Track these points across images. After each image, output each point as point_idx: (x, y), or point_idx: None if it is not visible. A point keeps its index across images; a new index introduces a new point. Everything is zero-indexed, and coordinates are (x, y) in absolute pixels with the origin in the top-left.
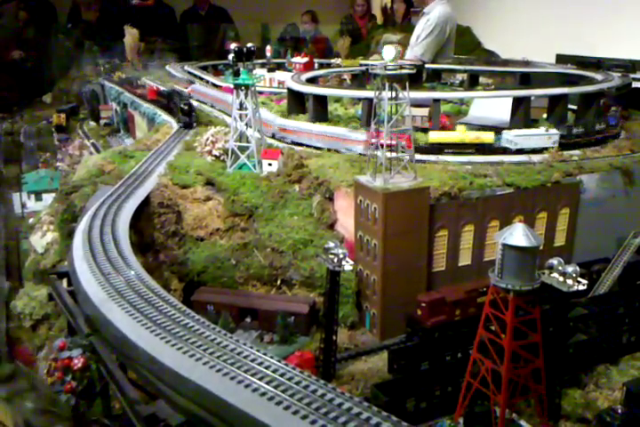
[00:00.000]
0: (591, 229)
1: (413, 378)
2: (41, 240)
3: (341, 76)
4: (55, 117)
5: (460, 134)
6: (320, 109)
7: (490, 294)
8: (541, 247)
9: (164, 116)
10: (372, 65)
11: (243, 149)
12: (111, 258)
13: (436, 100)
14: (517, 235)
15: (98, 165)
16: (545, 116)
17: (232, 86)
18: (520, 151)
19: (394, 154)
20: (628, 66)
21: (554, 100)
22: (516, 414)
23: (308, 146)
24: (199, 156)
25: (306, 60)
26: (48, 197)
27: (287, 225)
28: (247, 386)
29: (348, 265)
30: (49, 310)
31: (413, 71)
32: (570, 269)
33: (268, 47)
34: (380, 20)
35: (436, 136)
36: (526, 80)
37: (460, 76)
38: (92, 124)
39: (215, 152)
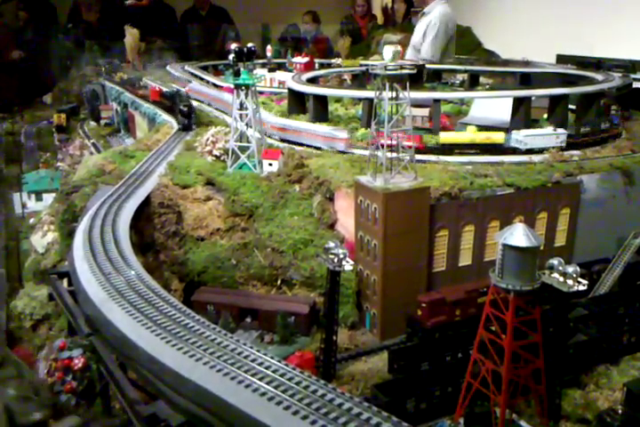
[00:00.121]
0: (591, 230)
1: (413, 378)
2: (41, 240)
3: (342, 76)
4: (55, 117)
5: (471, 134)
6: (320, 109)
7: (490, 294)
8: (542, 247)
9: (164, 116)
10: (372, 65)
11: (243, 149)
12: (111, 258)
13: (437, 101)
14: (518, 235)
15: (98, 165)
16: (545, 116)
17: (232, 86)
18: (529, 151)
19: (394, 154)
20: (628, 66)
21: (554, 100)
22: (517, 414)
23: (293, 143)
24: (199, 156)
25: (306, 60)
26: (48, 197)
27: (287, 225)
28: (247, 386)
29: (348, 265)
30: (49, 310)
31: (414, 71)
32: (570, 269)
33: (269, 47)
34: (380, 20)
35: (447, 136)
36: (526, 80)
37: (460, 77)
38: (93, 124)
39: (215, 152)
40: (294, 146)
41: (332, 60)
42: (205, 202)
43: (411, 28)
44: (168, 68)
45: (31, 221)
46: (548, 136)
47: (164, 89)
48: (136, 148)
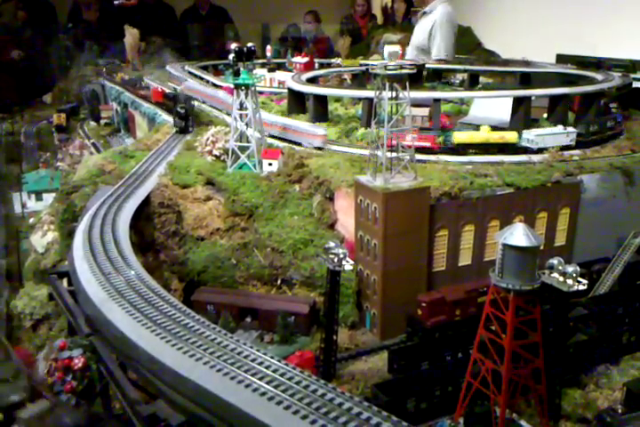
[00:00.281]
0: (591, 229)
1: (413, 378)
2: (41, 240)
3: (342, 75)
4: (55, 117)
5: (485, 134)
6: (320, 109)
7: (490, 293)
8: (542, 247)
9: (164, 116)
10: (372, 65)
11: (243, 149)
12: (111, 258)
13: (437, 100)
14: (518, 235)
15: (98, 164)
16: (545, 115)
17: (232, 86)
18: (541, 150)
19: (394, 154)
20: (628, 66)
21: (554, 99)
22: (517, 414)
23: (276, 137)
24: (199, 156)
25: (306, 59)
26: (48, 197)
27: (287, 225)
28: (247, 386)
29: (348, 265)
30: (49, 310)
31: (413, 71)
32: (570, 269)
33: (269, 47)
34: (380, 19)
35: (461, 136)
36: (526, 80)
37: (460, 76)
38: (93, 123)
39: (215, 152)
40: (275, 141)
41: (332, 60)
42: (205, 202)
43: (410, 28)
44: (168, 67)
45: (31, 220)
46: (558, 135)
47: (167, 90)
48: (136, 148)
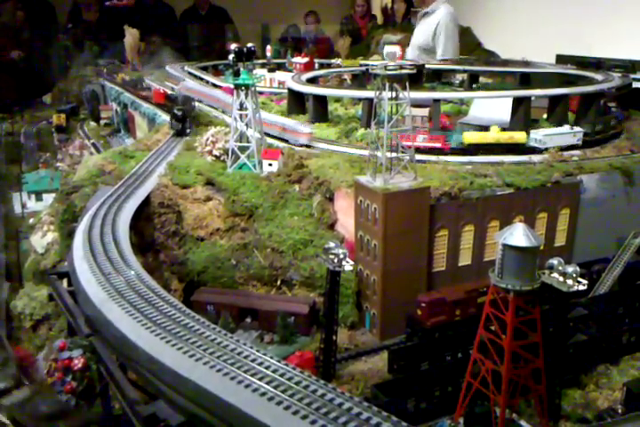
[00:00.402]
0: (591, 230)
1: (413, 378)
2: (41, 240)
3: (342, 76)
4: (55, 118)
5: (495, 134)
6: (320, 109)
7: (490, 294)
8: (541, 247)
9: (164, 116)
10: (372, 65)
11: (243, 149)
12: (111, 258)
13: (437, 101)
14: (517, 235)
15: (98, 165)
16: (545, 116)
17: (232, 87)
18: (547, 150)
19: (394, 154)
20: (628, 66)
21: (554, 100)
22: (516, 414)
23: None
24: (199, 156)
25: (306, 60)
26: (48, 198)
27: (287, 225)
28: (247, 386)
29: (348, 265)
30: (49, 311)
31: (413, 71)
32: (570, 269)
33: (269, 47)
34: (380, 20)
35: (471, 137)
36: (526, 80)
37: (459, 77)
38: (93, 124)
39: (215, 152)
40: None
41: (332, 61)
42: (205, 202)
43: (410, 28)
44: (167, 68)
45: (31, 221)
46: (566, 135)
47: (168, 91)
48: (136, 148)
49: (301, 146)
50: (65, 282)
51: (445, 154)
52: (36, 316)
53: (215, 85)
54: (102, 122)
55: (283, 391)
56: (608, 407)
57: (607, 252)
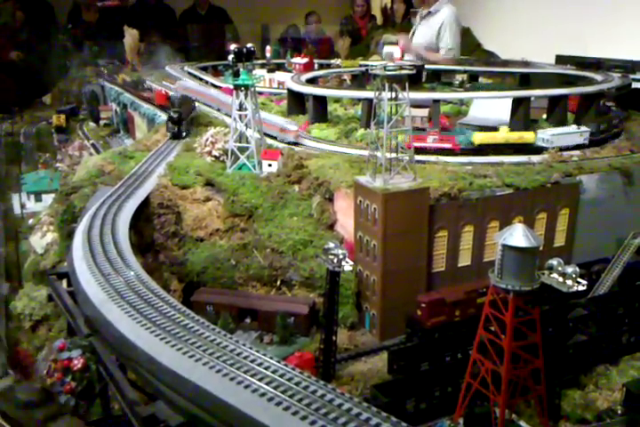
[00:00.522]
0: (591, 230)
1: (413, 379)
2: (41, 241)
3: (341, 76)
4: (55, 118)
5: (504, 134)
6: (320, 110)
7: (489, 294)
8: (541, 248)
9: (164, 116)
10: (371, 65)
11: (242, 150)
12: (111, 259)
13: (436, 101)
14: (517, 235)
15: (98, 165)
16: (544, 116)
17: (232, 87)
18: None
19: (393, 154)
20: (628, 66)
21: (553, 100)
22: (516, 414)
23: None
24: (199, 156)
25: (305, 60)
26: (48, 198)
27: (287, 226)
28: (247, 387)
29: (347, 266)
30: (49, 311)
31: (413, 71)
32: (569, 269)
33: (268, 48)
34: (379, 20)
35: (481, 137)
36: (526, 81)
37: (459, 77)
38: (92, 124)
39: (215, 153)
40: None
41: (332, 61)
42: (205, 202)
43: (410, 29)
44: (167, 68)
45: (30, 221)
46: (573, 134)
47: (171, 93)
48: (135, 148)
49: (289, 143)
50: (64, 282)
51: (456, 154)
52: (35, 316)
53: (215, 86)
54: (102, 122)
55: (282, 392)
56: (607, 408)
57: (607, 252)
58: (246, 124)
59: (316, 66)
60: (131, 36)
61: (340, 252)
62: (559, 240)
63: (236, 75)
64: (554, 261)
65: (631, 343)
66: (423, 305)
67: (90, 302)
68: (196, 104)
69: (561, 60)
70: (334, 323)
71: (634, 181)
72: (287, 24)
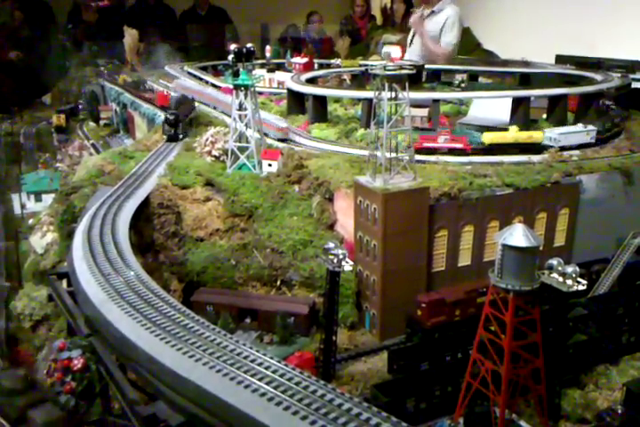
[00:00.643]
0: (591, 230)
1: (413, 378)
2: (41, 241)
3: (341, 76)
4: (55, 118)
5: (514, 134)
6: (320, 110)
7: (490, 294)
8: (541, 248)
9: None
10: (371, 65)
11: (242, 150)
12: (111, 259)
13: (436, 101)
14: (517, 235)
15: (97, 165)
16: (544, 116)
17: (231, 87)
18: (562, 148)
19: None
20: (628, 66)
21: (553, 100)
22: (516, 414)
23: None
24: (199, 156)
25: (305, 60)
26: (48, 198)
27: (287, 226)
28: (247, 387)
29: (347, 266)
30: (49, 311)
31: (413, 71)
32: (569, 269)
33: (268, 47)
34: (379, 20)
35: (491, 137)
36: (526, 80)
37: (459, 76)
38: (92, 124)
39: (215, 153)
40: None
41: (332, 61)
42: (205, 202)
43: (410, 29)
44: (166, 68)
45: (30, 221)
46: (580, 133)
47: (173, 94)
48: (135, 148)
49: (279, 140)
50: (64, 282)
51: (467, 154)
52: (35, 316)
53: (214, 86)
54: (102, 122)
55: (282, 392)
56: (607, 407)
57: (607, 252)
58: (246, 124)
59: (315, 66)
60: (130, 36)
61: (339, 252)
62: (559, 240)
63: (236, 75)
64: (554, 261)
65: (631, 343)
66: (423, 305)
67: (90, 302)
68: (198, 104)
69: (561, 59)
70: (334, 323)
71: (634, 181)
72: (287, 24)
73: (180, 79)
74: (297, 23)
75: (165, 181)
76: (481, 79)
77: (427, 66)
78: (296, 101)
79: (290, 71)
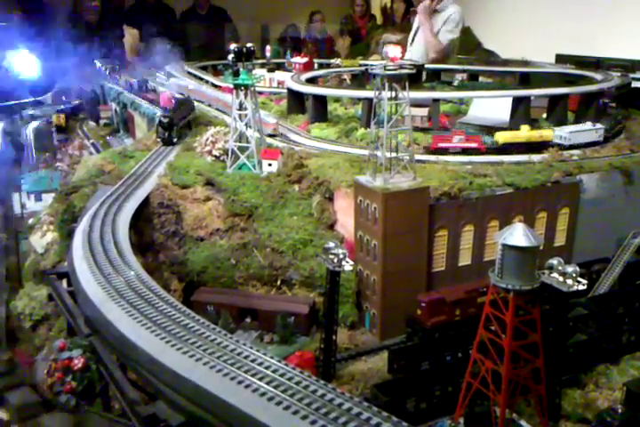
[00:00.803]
0: (591, 229)
1: (413, 378)
2: (41, 240)
3: (341, 76)
4: (55, 118)
5: (525, 133)
6: (320, 109)
7: (490, 293)
8: (541, 247)
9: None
10: (371, 65)
11: (242, 150)
12: (111, 258)
13: (436, 100)
14: (517, 235)
15: (97, 165)
16: (544, 115)
17: (232, 86)
18: (572, 147)
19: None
20: (628, 66)
21: (553, 99)
22: (516, 414)
23: None
24: (199, 156)
25: (305, 60)
26: (48, 198)
27: (287, 225)
28: (247, 386)
29: (347, 265)
30: (49, 311)
31: (413, 71)
32: (570, 269)
33: (268, 47)
34: (379, 20)
35: (505, 136)
36: (526, 80)
37: (459, 76)
38: (92, 124)
39: (215, 152)
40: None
41: (332, 60)
42: (205, 202)
43: (410, 28)
44: (167, 67)
45: (30, 221)
46: (589, 131)
47: (177, 95)
48: (135, 148)
49: (269, 136)
50: (64, 282)
51: (482, 154)
52: (35, 316)
53: (214, 85)
54: (102, 122)
55: (283, 391)
56: (608, 407)
57: (607, 252)
58: (246, 124)
59: (315, 65)
60: (131, 35)
61: (340, 251)
62: (559, 240)
63: (236, 74)
64: (554, 261)
65: (631, 343)
66: (423, 305)
67: (90, 302)
68: (203, 105)
69: (561, 59)
70: (334, 322)
71: (634, 181)
72: (287, 24)
73: (176, 78)
74: (297, 23)
75: (165, 181)
76: (481, 78)
77: (427, 65)
78: (296, 101)
79: (290, 71)
